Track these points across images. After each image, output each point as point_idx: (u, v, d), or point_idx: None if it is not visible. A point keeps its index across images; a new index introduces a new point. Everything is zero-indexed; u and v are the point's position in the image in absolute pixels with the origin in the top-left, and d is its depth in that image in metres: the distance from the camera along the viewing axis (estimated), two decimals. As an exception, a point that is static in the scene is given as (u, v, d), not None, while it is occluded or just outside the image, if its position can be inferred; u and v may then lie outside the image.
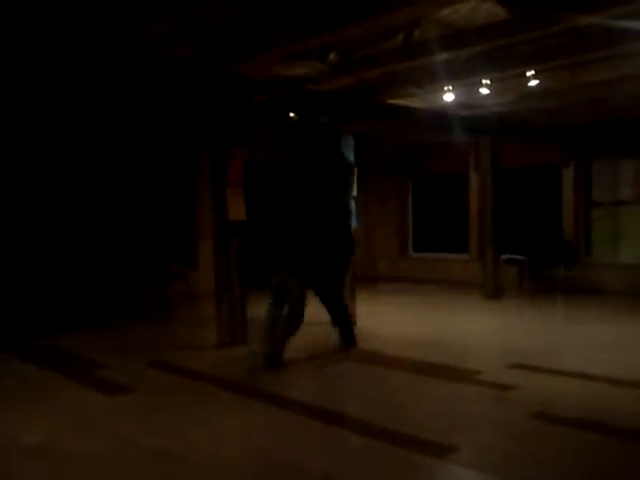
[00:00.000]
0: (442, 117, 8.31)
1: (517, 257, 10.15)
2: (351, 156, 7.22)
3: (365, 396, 4.71)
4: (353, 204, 7.13)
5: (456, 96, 7.33)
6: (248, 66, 6.02)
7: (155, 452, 3.52)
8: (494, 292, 9.41)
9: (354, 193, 7.16)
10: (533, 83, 6.69)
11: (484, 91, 7.04)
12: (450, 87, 7.08)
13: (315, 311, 5.74)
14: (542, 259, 10.16)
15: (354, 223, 7.13)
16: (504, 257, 9.77)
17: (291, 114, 7.66)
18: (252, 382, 5.05)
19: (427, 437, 3.68)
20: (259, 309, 5.98)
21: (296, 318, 5.38)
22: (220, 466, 3.35)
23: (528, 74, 6.59)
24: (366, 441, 3.70)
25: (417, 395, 4.65)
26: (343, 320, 6.07)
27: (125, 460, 3.45)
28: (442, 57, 5.99)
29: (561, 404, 4.35)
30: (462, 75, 6.58)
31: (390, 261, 12.54)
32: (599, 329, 7.03)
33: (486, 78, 6.86)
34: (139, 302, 8.64)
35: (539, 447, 3.57)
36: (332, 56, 6.54)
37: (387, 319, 8.01)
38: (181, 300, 9.09)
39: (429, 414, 4.19)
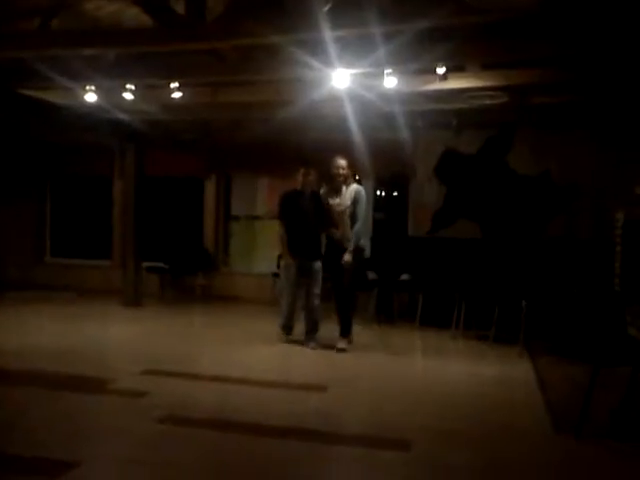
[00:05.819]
0: (85, 117, 7.93)
1: (159, 265, 10.26)
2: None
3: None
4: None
5: (101, 97, 7.07)
6: None
7: None
8: (134, 300, 9.33)
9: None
10: (176, 95, 6.85)
11: (128, 96, 6.96)
12: (93, 87, 6.81)
13: None
14: (182, 267, 10.47)
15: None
16: (146, 265, 9.77)
17: None
18: None
19: (46, 455, 3.44)
20: None
21: None
22: None
23: (172, 86, 6.73)
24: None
25: (40, 412, 4.30)
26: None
27: None
28: (82, 53, 5.71)
29: (190, 406, 4.50)
30: (104, 77, 6.36)
31: (24, 267, 11.49)
32: (230, 332, 7.50)
33: (130, 83, 6.79)
34: None
35: (164, 449, 3.63)
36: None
37: (13, 330, 7.29)
38: None
39: (51, 431, 3.90)
